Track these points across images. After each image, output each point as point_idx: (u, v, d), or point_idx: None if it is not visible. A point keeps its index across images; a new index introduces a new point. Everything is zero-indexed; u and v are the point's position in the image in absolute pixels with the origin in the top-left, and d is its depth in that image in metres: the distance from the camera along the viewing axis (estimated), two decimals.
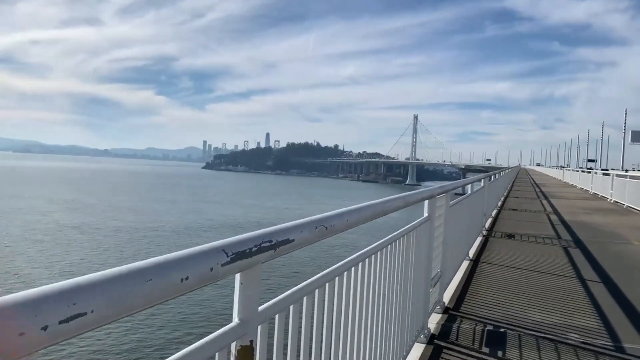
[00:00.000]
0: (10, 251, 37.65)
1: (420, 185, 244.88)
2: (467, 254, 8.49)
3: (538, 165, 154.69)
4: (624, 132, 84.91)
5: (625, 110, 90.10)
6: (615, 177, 23.16)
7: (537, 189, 32.99)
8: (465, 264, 7.95)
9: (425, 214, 4.58)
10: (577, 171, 42.40)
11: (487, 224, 12.92)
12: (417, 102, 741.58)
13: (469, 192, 8.27)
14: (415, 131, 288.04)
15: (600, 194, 26.45)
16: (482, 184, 10.89)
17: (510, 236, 11.66)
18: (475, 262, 8.32)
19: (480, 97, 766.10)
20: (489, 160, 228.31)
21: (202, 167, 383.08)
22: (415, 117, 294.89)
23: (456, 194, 7.17)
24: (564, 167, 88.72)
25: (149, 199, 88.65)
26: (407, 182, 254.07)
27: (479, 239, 10.70)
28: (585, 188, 32.51)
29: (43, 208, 65.21)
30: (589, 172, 33.77)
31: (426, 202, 4.57)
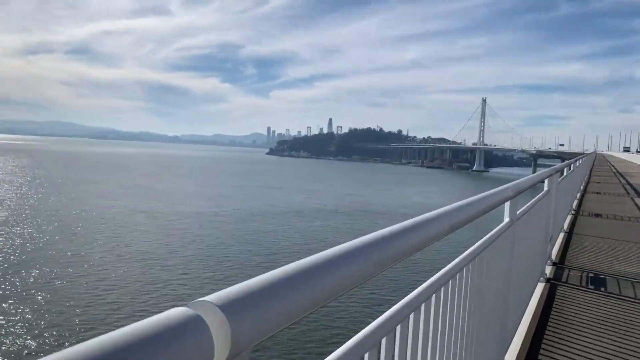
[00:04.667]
0: (79, 235, 39.00)
1: (488, 171, 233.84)
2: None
3: (626, 150, 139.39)
4: None
5: None
6: None
7: (623, 180, 26.99)
8: None
9: None
10: None
11: (555, 253, 8.05)
12: (484, 85, 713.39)
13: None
14: (483, 115, 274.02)
15: None
16: (547, 187, 6.34)
17: (599, 282, 6.65)
18: None
19: (551, 79, 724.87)
20: (562, 145, 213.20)
21: (266, 153, 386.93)
22: (484, 101, 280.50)
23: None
24: None
25: (215, 185, 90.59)
26: (474, 168, 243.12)
27: (539, 289, 6.09)
28: None
29: (115, 194, 67.13)
30: None
31: None
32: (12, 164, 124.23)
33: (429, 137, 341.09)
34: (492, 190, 2.96)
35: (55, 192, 65.49)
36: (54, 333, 19.82)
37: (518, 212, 4.03)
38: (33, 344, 18.97)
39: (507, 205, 3.77)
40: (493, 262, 3.19)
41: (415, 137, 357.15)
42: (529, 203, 4.80)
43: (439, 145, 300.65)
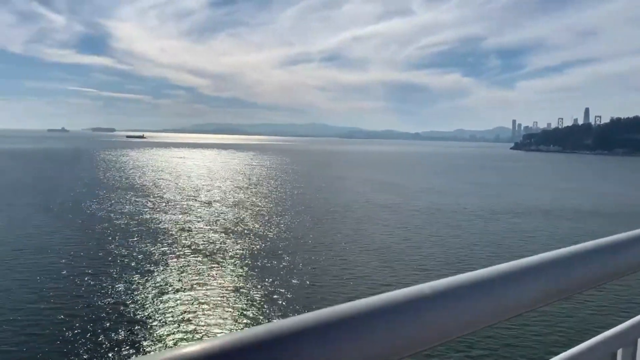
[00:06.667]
0: (325, 225, 44.14)
1: None
2: None
3: None
4: None
5: None
6: None
7: None
8: None
9: None
10: None
11: None
12: None
13: None
14: None
15: None
16: None
17: None
18: None
19: None
20: None
21: (511, 148, 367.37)
22: None
23: None
24: None
25: (455, 181, 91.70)
26: None
27: None
28: None
29: (360, 189, 73.38)
30: None
31: None
32: (279, 161, 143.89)
33: None
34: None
35: (310, 187, 74.05)
36: (290, 303, 22.56)
37: None
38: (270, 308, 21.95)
39: None
40: None
41: None
42: None
43: None
